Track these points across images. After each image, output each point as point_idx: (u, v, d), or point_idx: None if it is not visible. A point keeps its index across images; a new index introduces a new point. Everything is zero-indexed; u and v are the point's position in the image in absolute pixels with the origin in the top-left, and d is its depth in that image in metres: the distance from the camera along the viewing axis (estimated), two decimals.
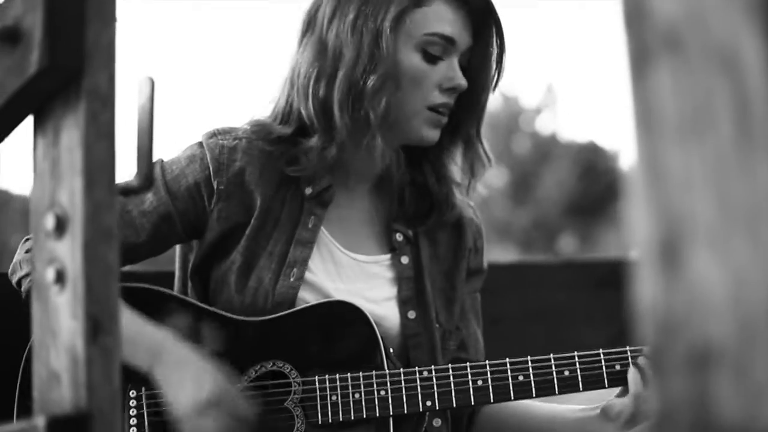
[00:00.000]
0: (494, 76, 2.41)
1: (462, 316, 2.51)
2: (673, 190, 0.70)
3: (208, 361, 2.14)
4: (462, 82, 2.28)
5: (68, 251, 1.15)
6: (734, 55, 0.67)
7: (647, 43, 0.72)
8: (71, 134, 1.16)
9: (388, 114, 2.25)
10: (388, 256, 2.43)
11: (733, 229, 0.67)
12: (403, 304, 2.38)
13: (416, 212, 2.45)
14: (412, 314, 2.38)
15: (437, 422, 2.36)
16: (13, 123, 1.27)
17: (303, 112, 2.33)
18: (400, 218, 2.45)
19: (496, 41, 2.37)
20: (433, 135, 2.32)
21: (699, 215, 0.69)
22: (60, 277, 1.15)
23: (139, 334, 2.12)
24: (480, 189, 2.55)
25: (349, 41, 2.26)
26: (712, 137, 0.68)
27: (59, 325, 1.16)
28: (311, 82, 2.30)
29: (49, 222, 1.17)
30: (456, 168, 2.47)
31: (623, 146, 0.74)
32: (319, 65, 2.29)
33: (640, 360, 2.22)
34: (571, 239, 37.35)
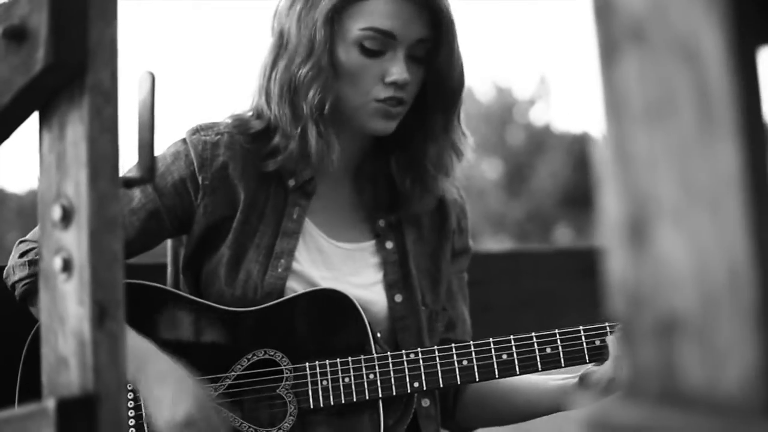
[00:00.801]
0: (450, 67, 2.37)
1: (449, 297, 2.56)
2: (639, 172, 0.74)
3: (188, 378, 2.18)
4: (400, 76, 2.27)
5: (74, 240, 1.19)
6: (695, 47, 0.71)
7: (614, 35, 0.76)
8: (76, 129, 1.20)
9: (322, 106, 2.27)
10: (373, 242, 2.47)
11: (695, 208, 0.70)
12: (390, 287, 2.43)
13: (390, 203, 2.48)
14: (398, 297, 2.42)
15: (426, 402, 2.40)
16: (19, 119, 1.31)
17: (257, 102, 2.39)
18: (379, 208, 2.49)
19: (445, 31, 2.32)
20: (382, 126, 2.33)
21: (663, 195, 0.72)
22: (67, 266, 1.19)
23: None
24: (462, 178, 2.57)
25: (293, 32, 2.29)
26: (674, 122, 0.72)
27: (67, 312, 1.20)
28: (264, 73, 2.36)
29: (56, 213, 1.21)
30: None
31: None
32: (272, 56, 2.34)
33: (618, 329, 2.26)
34: (566, 230, 37.29)
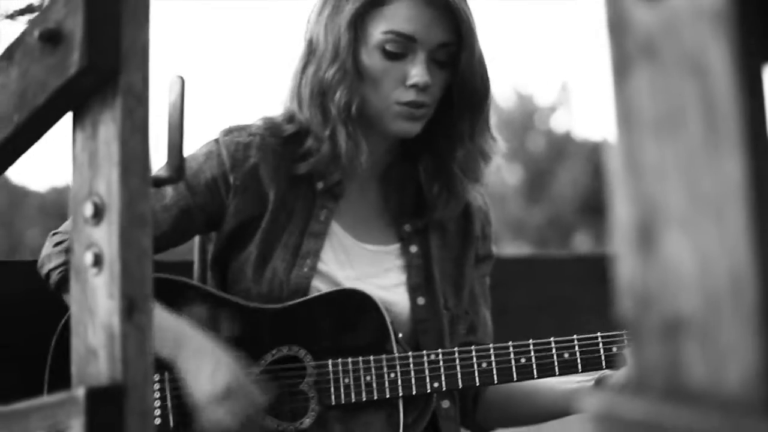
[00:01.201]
0: (472, 71, 2.39)
1: (471, 301, 2.58)
2: (649, 180, 0.77)
3: (225, 352, 2.22)
4: (421, 78, 2.29)
5: (105, 236, 1.23)
6: (703, 62, 0.74)
7: (628, 50, 0.80)
8: (108, 129, 1.24)
9: (349, 107, 2.31)
10: (398, 245, 2.49)
11: (701, 215, 0.73)
12: (413, 290, 2.45)
13: (415, 209, 2.52)
14: (421, 300, 2.44)
15: (446, 404, 2.43)
16: (54, 118, 1.35)
17: (289, 107, 2.43)
18: (404, 213, 2.52)
19: (465, 36, 2.34)
20: (407, 128, 2.36)
21: (671, 202, 0.75)
22: (98, 261, 1.24)
23: (163, 325, 2.19)
24: (490, 184, 2.60)
25: (321, 38, 2.35)
26: (683, 134, 0.75)
27: (97, 305, 1.24)
28: (295, 78, 2.41)
29: (88, 209, 1.25)
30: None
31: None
32: (303, 62, 2.39)
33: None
34: (586, 237, 37.15)
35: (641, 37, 0.79)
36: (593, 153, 37.02)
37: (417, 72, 2.31)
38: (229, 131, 2.45)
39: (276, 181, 2.40)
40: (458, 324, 2.52)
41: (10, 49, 1.37)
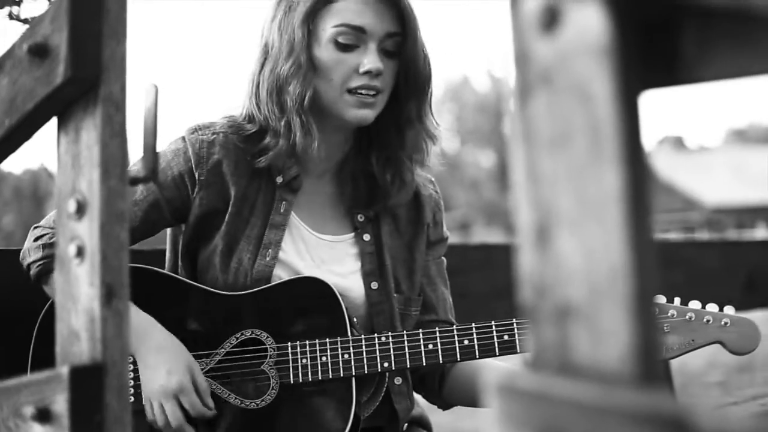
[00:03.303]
0: (416, 56, 2.53)
1: (429, 281, 2.71)
2: (545, 188, 0.89)
3: (183, 351, 2.34)
4: (374, 65, 2.43)
5: (87, 230, 1.35)
6: (589, 90, 0.85)
7: (529, 79, 0.91)
8: (90, 133, 1.36)
9: (302, 98, 2.43)
10: (351, 234, 2.62)
11: (586, 218, 0.85)
12: (366, 276, 2.58)
13: (369, 198, 2.64)
14: (374, 285, 2.57)
15: (398, 380, 2.56)
16: (40, 123, 1.47)
17: (248, 108, 2.55)
18: (358, 203, 2.64)
19: (410, 25, 2.49)
20: (361, 114, 2.48)
21: (562, 207, 0.87)
22: (80, 252, 1.36)
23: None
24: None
25: (276, 39, 2.47)
26: (572, 150, 0.86)
27: (79, 292, 1.36)
28: (252, 80, 2.52)
29: (71, 206, 1.37)
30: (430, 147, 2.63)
31: None
32: (259, 64, 2.51)
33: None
34: None
35: (540, 67, 0.91)
36: None
37: (370, 60, 2.44)
38: (194, 129, 2.58)
39: (238, 176, 2.53)
40: (411, 306, 2.65)
41: (1, 61, 1.49)
